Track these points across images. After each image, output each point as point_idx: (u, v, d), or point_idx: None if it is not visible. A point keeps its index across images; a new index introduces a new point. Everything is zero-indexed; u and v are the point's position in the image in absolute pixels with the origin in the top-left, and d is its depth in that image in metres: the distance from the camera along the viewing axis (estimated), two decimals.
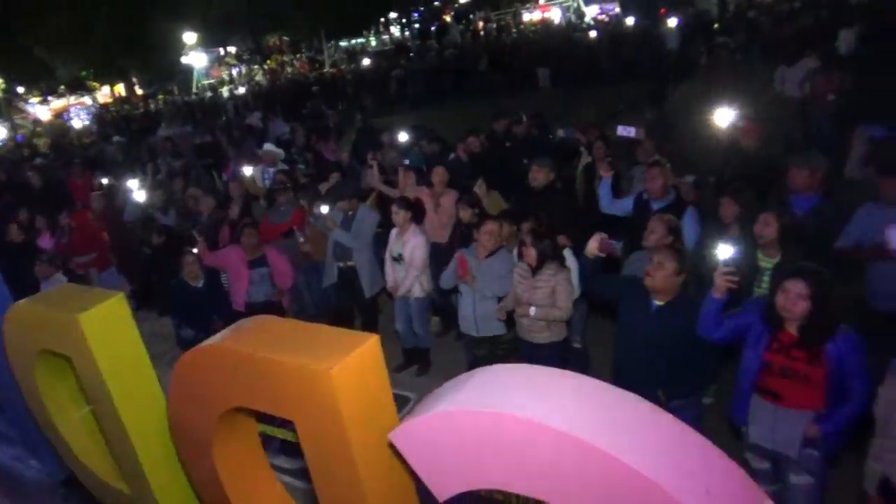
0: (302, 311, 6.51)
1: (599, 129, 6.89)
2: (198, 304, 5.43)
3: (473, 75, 21.10)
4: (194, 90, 30.47)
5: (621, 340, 3.72)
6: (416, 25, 37.94)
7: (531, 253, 4.25)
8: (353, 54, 33.30)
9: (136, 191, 7.85)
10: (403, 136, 8.12)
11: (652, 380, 3.42)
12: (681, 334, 3.36)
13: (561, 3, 32.15)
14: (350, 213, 5.89)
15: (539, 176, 5.46)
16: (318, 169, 8.65)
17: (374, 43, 37.69)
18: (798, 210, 4.42)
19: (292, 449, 1.83)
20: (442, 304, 6.15)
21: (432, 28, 34.68)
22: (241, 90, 27.08)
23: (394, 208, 5.51)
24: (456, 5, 37.31)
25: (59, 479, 3.36)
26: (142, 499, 2.36)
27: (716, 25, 19.84)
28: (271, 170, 8.26)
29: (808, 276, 2.91)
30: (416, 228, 5.52)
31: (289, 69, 33.24)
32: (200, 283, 5.52)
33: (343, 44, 36.78)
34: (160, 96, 30.93)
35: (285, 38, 36.33)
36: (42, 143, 20.62)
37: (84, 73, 31.20)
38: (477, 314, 4.68)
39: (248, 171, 8.10)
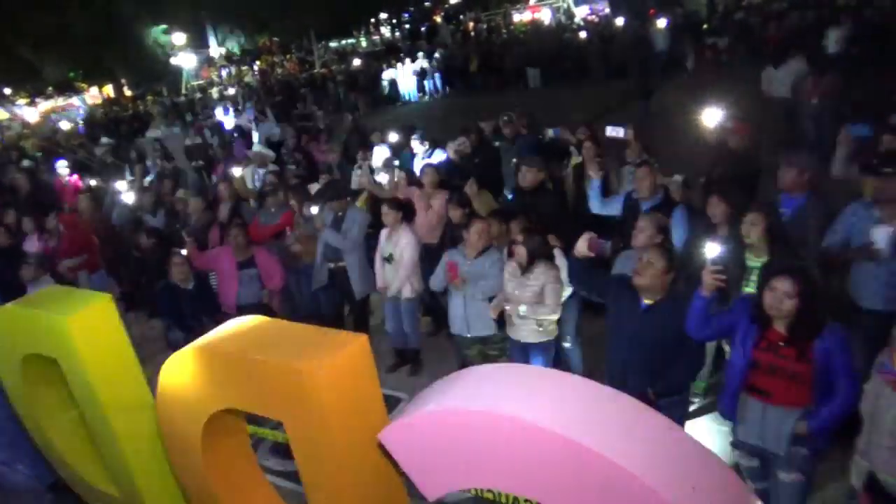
0: (292, 312, 6.49)
1: (589, 129, 6.91)
2: (187, 306, 5.40)
3: (464, 76, 21.11)
4: (183, 91, 30.32)
5: (611, 339, 3.73)
6: (407, 26, 37.91)
7: (521, 252, 4.26)
8: (344, 55, 33.24)
9: (125, 193, 7.81)
10: (394, 137, 8.12)
11: (641, 378, 3.44)
12: (670, 333, 3.38)
13: (551, 4, 32.19)
14: (340, 213, 5.88)
15: (529, 176, 5.48)
16: (309, 170, 8.64)
17: (364, 43, 37.62)
18: (785, 209, 4.45)
19: (283, 451, 1.82)
20: (432, 304, 6.15)
21: (423, 28, 34.66)
22: (231, 91, 26.96)
23: (384, 208, 5.51)
24: (446, 6, 37.29)
25: (48, 484, 3.34)
26: (131, 502, 2.35)
27: (705, 26, 19.94)
28: (261, 171, 8.24)
29: (796, 275, 2.93)
30: (406, 228, 5.52)
31: (279, 70, 33.13)
32: (190, 285, 5.49)
33: (333, 44, 36.70)
34: (149, 97, 30.72)
35: (275, 38, 36.19)
36: (30, 144, 20.45)
37: (72, 75, 30.97)
38: (468, 314, 4.68)
39: (237, 171, 8.08)
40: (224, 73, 34.71)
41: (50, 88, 31.83)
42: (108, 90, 33.66)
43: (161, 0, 26.14)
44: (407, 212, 5.82)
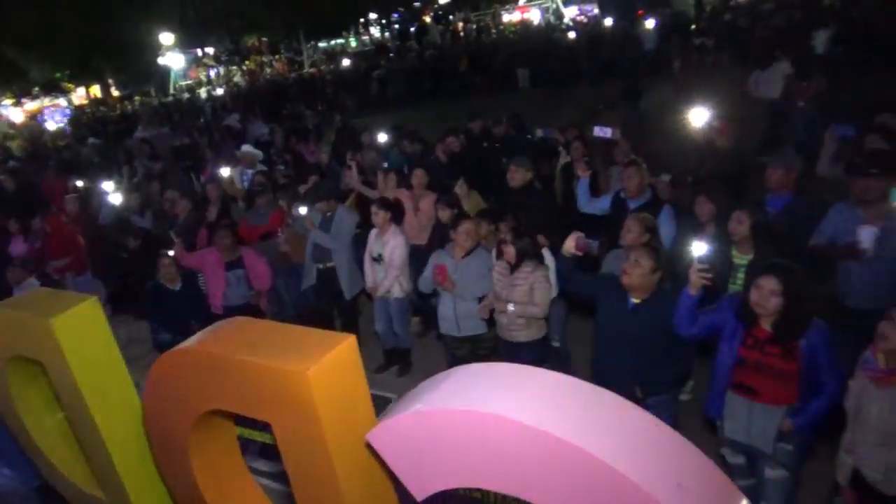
0: (281, 312, 6.48)
1: (578, 129, 6.94)
2: (175, 307, 5.38)
3: (453, 76, 21.14)
4: (172, 91, 30.14)
5: (599, 338, 3.75)
6: (396, 26, 37.89)
7: (510, 251, 4.27)
8: (333, 55, 33.19)
9: (112, 193, 7.76)
10: (383, 137, 8.11)
11: (629, 377, 3.46)
12: (657, 331, 3.40)
13: (540, 4, 32.31)
14: (329, 214, 5.87)
15: (517, 176, 5.49)
16: (298, 170, 8.61)
17: (353, 44, 37.56)
18: (772, 208, 4.50)
19: (272, 452, 1.82)
20: (421, 304, 6.15)
21: (412, 29, 34.65)
22: (220, 91, 26.85)
23: (373, 209, 5.51)
24: (435, 6, 37.30)
25: (33, 487, 3.31)
26: None
27: (693, 27, 20.08)
28: (250, 171, 8.21)
29: (781, 273, 2.96)
30: (395, 229, 5.52)
31: (268, 70, 33.02)
32: (177, 286, 5.47)
33: (322, 44, 36.62)
34: (137, 98, 30.53)
35: (264, 38, 36.07)
36: (15, 145, 20.28)
37: (58, 75, 30.73)
38: (458, 314, 4.69)
39: (225, 172, 8.04)
40: (212, 73, 34.57)
41: (36, 89, 31.55)
42: (95, 90, 33.42)
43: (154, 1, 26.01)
44: (396, 212, 5.82)
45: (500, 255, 4.45)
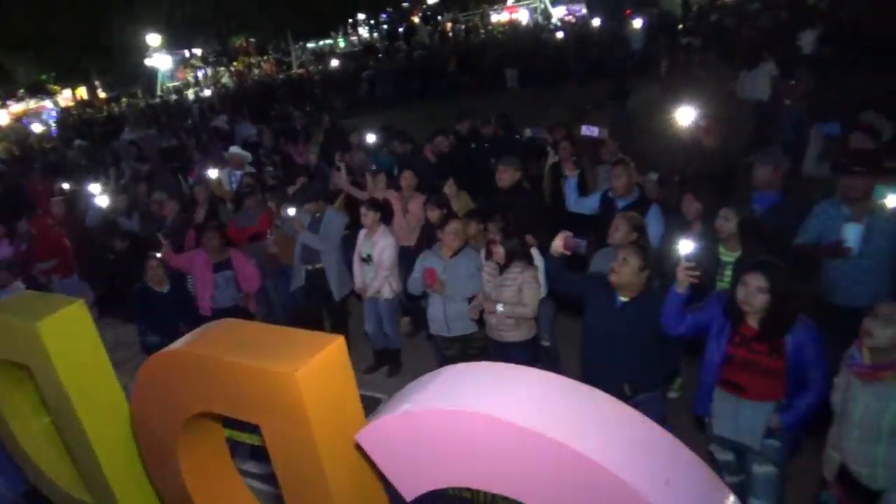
0: (270, 314, 6.46)
1: (566, 129, 6.96)
2: (163, 309, 5.35)
3: (442, 76, 21.14)
4: (159, 93, 29.95)
5: (587, 337, 3.77)
6: (385, 26, 37.83)
7: (499, 251, 4.27)
8: (322, 55, 33.09)
9: (98, 195, 7.70)
10: (371, 138, 8.10)
11: (618, 375, 3.47)
12: (645, 330, 3.42)
13: (528, 5, 32.37)
14: (317, 215, 5.86)
15: (505, 176, 5.50)
16: (287, 171, 8.59)
17: (342, 44, 37.47)
18: (759, 207, 4.53)
19: (262, 454, 1.81)
20: (411, 305, 6.15)
21: (400, 29, 34.62)
22: (207, 92, 26.71)
23: (363, 209, 5.50)
24: (424, 6, 37.28)
25: (21, 492, 3.29)
26: None
27: (680, 26, 20.18)
28: (238, 173, 8.18)
29: (767, 270, 2.98)
30: (385, 229, 5.52)
31: (256, 71, 32.88)
32: (165, 288, 5.44)
33: (311, 45, 36.50)
34: (124, 99, 30.31)
35: (252, 39, 35.92)
36: (1, 148, 20.08)
37: (44, 77, 30.46)
38: (448, 314, 4.69)
39: (213, 173, 8.01)
40: (200, 74, 34.38)
41: (21, 91, 31.25)
42: (82, 92, 33.16)
43: (137, 1, 25.82)
44: (385, 213, 5.82)
45: (489, 255, 4.46)
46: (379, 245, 5.42)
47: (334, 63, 26.90)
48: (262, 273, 6.06)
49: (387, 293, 5.51)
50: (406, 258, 5.51)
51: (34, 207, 9.07)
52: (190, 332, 1.86)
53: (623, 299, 3.55)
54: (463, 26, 33.36)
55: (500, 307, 4.28)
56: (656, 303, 3.39)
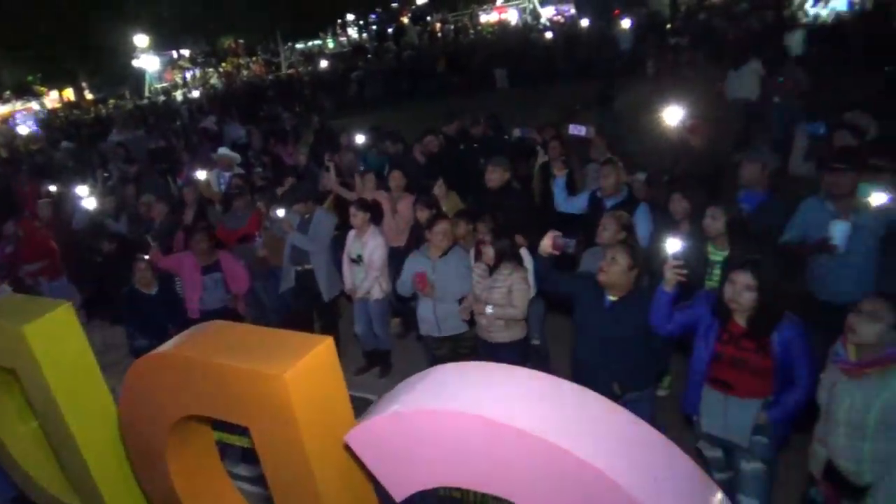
0: (260, 316, 6.44)
1: (555, 129, 6.98)
2: (151, 311, 5.32)
3: (431, 76, 21.14)
4: (147, 94, 29.76)
5: (577, 336, 3.78)
6: (374, 27, 37.78)
7: (489, 252, 4.28)
8: (311, 56, 33.00)
9: (86, 198, 7.65)
10: (360, 139, 8.09)
11: (607, 374, 3.49)
12: (634, 328, 3.44)
13: (517, 5, 32.42)
14: (306, 216, 5.84)
15: (494, 176, 5.51)
16: (276, 172, 8.56)
17: (331, 45, 37.38)
18: (746, 205, 4.57)
19: (253, 457, 1.81)
20: (401, 306, 6.14)
21: (389, 30, 34.57)
22: (196, 94, 26.57)
23: (352, 210, 5.49)
24: (413, 7, 37.26)
25: (9, 498, 3.26)
26: None
27: (668, 26, 20.28)
28: (227, 174, 8.15)
29: (755, 269, 3.01)
30: (374, 230, 5.51)
31: (244, 72, 32.74)
32: (153, 291, 5.41)
33: (300, 46, 36.40)
34: (111, 101, 30.10)
35: (240, 40, 35.77)
36: None
37: (30, 78, 30.20)
38: (438, 314, 4.69)
39: (202, 175, 7.97)
40: (188, 75, 34.20)
41: (7, 92, 30.97)
42: (69, 93, 32.91)
43: (124, 1, 25.65)
44: (375, 213, 5.81)
45: (478, 256, 4.46)
46: (369, 246, 5.42)
47: (323, 64, 26.83)
48: (252, 275, 6.04)
49: (377, 294, 5.50)
50: (395, 258, 5.51)
51: (21, 209, 9.01)
52: (178, 334, 1.85)
53: (612, 298, 3.57)
54: (452, 27, 33.36)
55: (489, 309, 4.28)
56: (645, 302, 3.41)
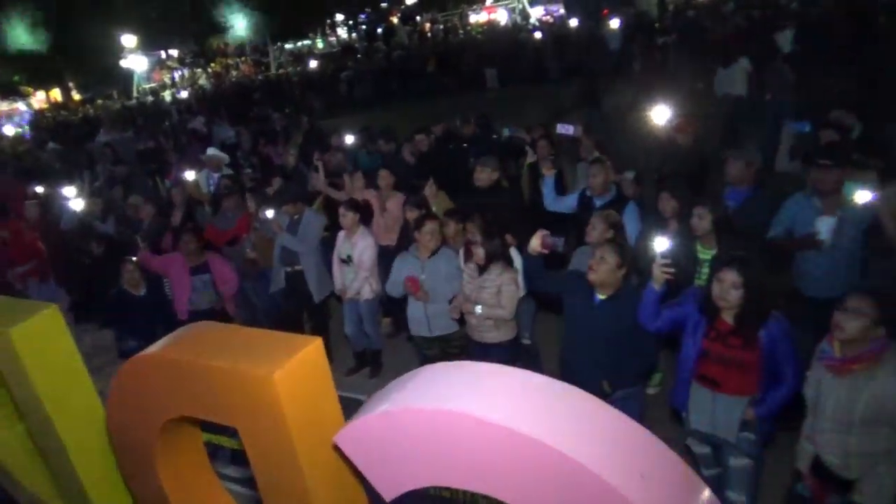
0: (250, 317, 6.42)
1: (544, 128, 7.00)
2: (140, 313, 5.29)
3: (421, 77, 21.12)
4: (135, 94, 29.57)
5: (567, 334, 3.80)
6: (363, 27, 37.70)
7: (479, 252, 4.28)
8: (300, 56, 32.89)
9: (73, 199, 7.60)
10: (350, 139, 8.08)
11: (597, 371, 3.51)
12: (624, 326, 3.45)
13: (507, 5, 32.47)
14: (296, 216, 5.83)
15: (483, 175, 5.52)
16: (265, 173, 8.54)
17: (320, 45, 37.28)
18: (732, 202, 4.60)
19: (243, 458, 1.81)
20: (391, 306, 6.14)
21: (379, 30, 34.52)
22: (184, 94, 26.43)
23: (342, 210, 5.48)
24: (402, 7, 37.22)
25: None
26: None
27: (656, 25, 20.37)
28: (215, 175, 8.12)
29: (741, 266, 3.03)
30: (364, 230, 5.51)
31: (233, 72, 32.59)
32: (142, 292, 5.39)
33: (289, 46, 36.27)
34: (99, 101, 29.88)
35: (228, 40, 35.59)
36: None
37: (16, 78, 29.93)
38: (429, 314, 4.69)
39: (190, 176, 7.94)
40: (177, 75, 34.01)
41: None
42: (56, 94, 32.64)
43: (111, 1, 25.44)
44: (364, 214, 5.80)
45: (468, 256, 4.47)
46: (359, 246, 5.41)
47: (313, 64, 26.73)
48: (242, 276, 6.03)
49: (367, 294, 5.50)
50: (385, 258, 5.51)
51: (7, 211, 8.92)
52: (166, 336, 1.85)
53: (601, 297, 3.58)
54: (441, 27, 33.34)
55: (478, 309, 4.28)
56: (634, 300, 3.43)
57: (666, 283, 3.28)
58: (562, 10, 28.47)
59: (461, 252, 4.72)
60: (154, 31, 28.71)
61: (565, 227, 5.14)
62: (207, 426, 1.97)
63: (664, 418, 3.95)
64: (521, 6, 31.55)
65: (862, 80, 8.08)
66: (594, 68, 15.07)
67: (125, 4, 26.30)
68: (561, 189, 5.82)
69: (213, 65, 34.52)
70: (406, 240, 5.40)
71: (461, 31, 30.91)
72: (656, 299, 3.30)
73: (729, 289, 3.02)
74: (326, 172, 6.76)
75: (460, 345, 4.73)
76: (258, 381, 1.52)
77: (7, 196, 9.83)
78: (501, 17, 31.92)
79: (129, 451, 2.00)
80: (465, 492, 1.86)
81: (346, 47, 32.40)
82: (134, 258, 5.50)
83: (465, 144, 7.69)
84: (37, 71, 28.22)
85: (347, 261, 5.47)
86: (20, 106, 30.94)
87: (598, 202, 4.93)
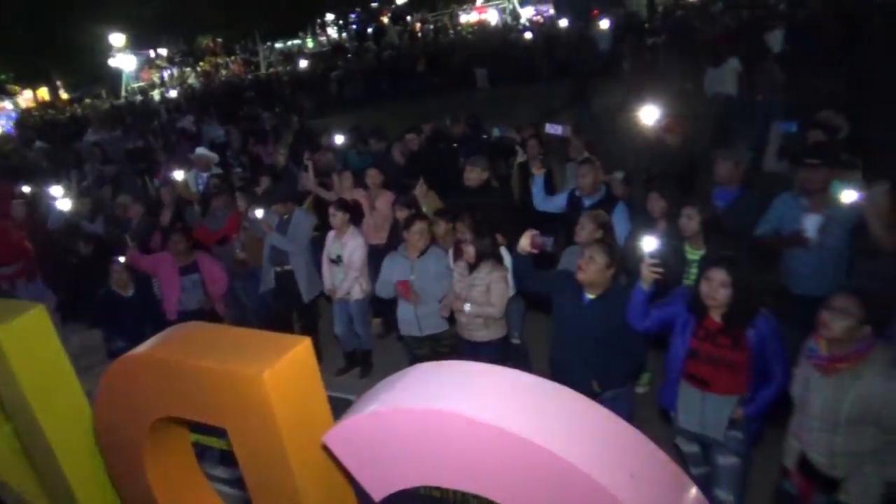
0: (240, 317, 6.39)
1: (534, 128, 7.01)
2: (128, 314, 5.26)
3: (411, 76, 21.10)
4: (123, 94, 29.36)
5: (556, 334, 3.81)
6: (354, 27, 37.62)
7: (469, 251, 4.29)
8: (290, 56, 32.77)
9: (60, 199, 7.54)
10: (340, 139, 8.07)
11: (586, 371, 3.52)
12: (613, 326, 3.47)
13: (497, 5, 32.50)
14: (286, 216, 5.81)
15: (473, 175, 5.53)
16: (255, 173, 8.51)
17: (310, 44, 37.17)
18: (721, 202, 4.63)
19: (231, 459, 1.80)
20: (380, 307, 6.13)
21: (369, 29, 34.46)
22: (173, 93, 26.27)
23: (331, 210, 5.47)
24: (393, 7, 37.16)
25: None
26: None
27: (646, 25, 20.45)
28: (205, 174, 8.08)
29: (730, 265, 3.05)
30: (354, 230, 5.50)
31: (223, 71, 32.42)
32: (130, 293, 5.35)
33: (279, 45, 36.14)
34: (87, 100, 29.64)
35: (219, 39, 35.41)
36: None
37: (3, 77, 29.65)
38: (418, 314, 4.69)
39: (179, 175, 7.90)
40: (166, 74, 33.80)
41: None
42: (44, 93, 32.36)
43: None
44: (355, 213, 5.79)
45: (458, 255, 4.47)
46: (349, 246, 5.40)
47: (303, 63, 26.64)
48: (231, 275, 6.00)
49: (357, 294, 5.49)
50: (376, 257, 5.51)
51: None
52: (154, 336, 1.84)
53: (590, 296, 3.60)
54: (432, 26, 33.31)
55: (467, 306, 4.29)
56: (623, 299, 3.44)
57: (654, 283, 3.30)
58: (552, 11, 28.52)
59: (450, 251, 4.72)
60: (143, 29, 28.50)
61: (555, 226, 5.15)
62: (196, 427, 1.96)
63: (653, 417, 3.97)
64: (511, 6, 31.58)
65: (851, 80, 8.15)
66: (584, 68, 15.10)
67: (114, 3, 26.07)
68: (550, 189, 5.83)
69: (202, 64, 34.34)
70: (396, 239, 5.40)
71: (451, 31, 30.90)
72: (645, 299, 3.31)
73: (717, 287, 3.03)
74: (316, 172, 6.74)
75: (450, 344, 4.73)
76: (247, 380, 1.52)
77: None
78: (492, 17, 31.94)
79: (117, 452, 1.99)
80: (455, 491, 1.87)
81: (337, 47, 32.31)
82: (122, 258, 5.46)
83: (455, 144, 7.69)
84: (24, 69, 27.96)
85: (337, 261, 5.46)
86: (6, 105, 30.66)
87: (587, 202, 4.94)
